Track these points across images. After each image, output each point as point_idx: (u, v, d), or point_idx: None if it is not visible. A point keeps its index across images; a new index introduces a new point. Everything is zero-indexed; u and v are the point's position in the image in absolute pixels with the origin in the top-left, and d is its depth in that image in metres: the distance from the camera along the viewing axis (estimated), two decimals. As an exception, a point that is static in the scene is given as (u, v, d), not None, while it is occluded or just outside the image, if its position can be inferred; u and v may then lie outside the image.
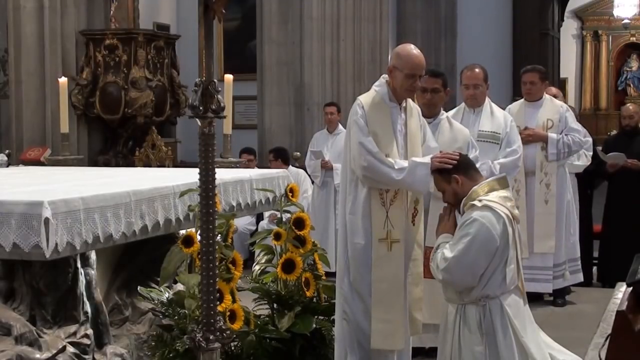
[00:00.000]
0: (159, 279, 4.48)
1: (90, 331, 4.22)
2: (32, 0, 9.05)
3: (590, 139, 7.83)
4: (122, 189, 4.33)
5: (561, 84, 14.75)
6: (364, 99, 4.59)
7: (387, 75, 4.62)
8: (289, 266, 4.59)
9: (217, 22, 2.98)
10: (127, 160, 9.18)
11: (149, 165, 8.45)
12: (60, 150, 7.13)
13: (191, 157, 9.91)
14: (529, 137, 6.89)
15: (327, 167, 8.72)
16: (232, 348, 4.29)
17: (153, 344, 4.31)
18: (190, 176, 4.64)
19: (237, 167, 6.17)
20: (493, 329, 3.83)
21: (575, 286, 7.63)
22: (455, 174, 4.03)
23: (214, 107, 2.93)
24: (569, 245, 7.20)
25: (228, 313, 4.02)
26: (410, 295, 4.60)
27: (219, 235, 4.19)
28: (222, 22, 3.10)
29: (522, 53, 14.49)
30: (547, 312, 6.87)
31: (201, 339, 2.98)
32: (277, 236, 4.68)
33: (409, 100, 4.68)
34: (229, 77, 5.89)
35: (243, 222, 8.80)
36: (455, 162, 4.19)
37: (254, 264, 5.02)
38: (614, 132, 11.81)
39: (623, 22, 20.92)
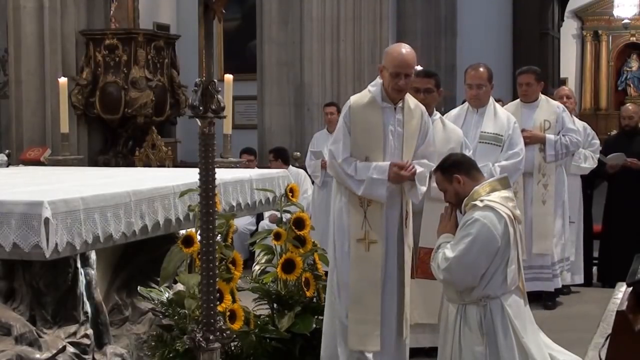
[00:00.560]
0: (159, 279, 4.48)
1: (90, 331, 4.22)
2: (32, 0, 9.05)
3: (597, 142, 7.84)
4: (122, 189, 4.32)
5: (561, 84, 14.69)
6: (354, 98, 4.59)
7: None
8: (289, 266, 4.59)
9: (217, 22, 2.98)
10: (127, 160, 9.18)
11: (149, 165, 8.45)
12: (60, 150, 7.14)
13: (191, 157, 9.91)
14: (527, 139, 6.83)
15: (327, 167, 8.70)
16: (232, 348, 4.29)
17: (153, 344, 4.31)
18: (190, 176, 4.64)
19: (237, 167, 6.17)
20: (494, 329, 3.84)
21: (575, 286, 7.64)
22: (457, 174, 4.03)
23: (214, 107, 2.93)
24: (561, 244, 7.19)
25: (228, 313, 4.03)
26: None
27: (219, 235, 4.20)
28: (222, 22, 3.10)
29: (522, 53, 14.46)
30: (547, 312, 6.87)
31: (201, 339, 2.98)
32: (277, 236, 4.69)
33: (410, 101, 4.63)
34: (229, 77, 5.89)
35: (243, 222, 8.79)
36: (410, 174, 4.27)
37: (254, 264, 5.02)
38: (614, 132, 11.80)
39: (623, 22, 20.89)
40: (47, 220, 3.74)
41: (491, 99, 6.21)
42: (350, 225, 4.50)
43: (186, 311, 4.10)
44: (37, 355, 3.98)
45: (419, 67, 8.30)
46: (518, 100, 7.21)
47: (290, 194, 4.90)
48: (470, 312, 3.89)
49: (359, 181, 4.41)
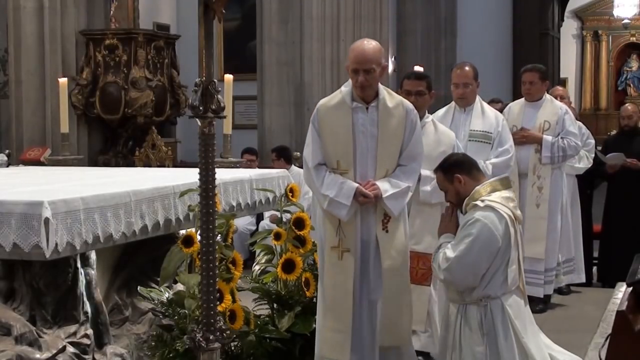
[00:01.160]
0: (159, 279, 4.48)
1: (90, 331, 4.22)
2: (32, 0, 9.05)
3: (592, 141, 7.79)
4: (122, 189, 4.32)
5: (561, 84, 14.71)
6: (323, 100, 4.46)
7: None
8: (289, 266, 4.59)
9: (217, 22, 2.98)
10: (127, 160, 9.18)
11: (149, 165, 8.45)
12: (60, 150, 7.14)
13: (191, 157, 9.92)
14: (523, 139, 6.74)
15: (327, 168, 8.68)
16: (232, 348, 4.29)
17: (153, 344, 4.31)
18: (190, 176, 4.64)
19: (237, 167, 6.17)
20: (494, 329, 3.84)
21: (575, 286, 7.63)
22: (458, 174, 4.03)
23: (214, 107, 2.93)
24: (563, 245, 7.12)
25: (228, 313, 4.03)
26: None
27: (219, 235, 4.20)
28: (222, 22, 3.10)
29: (522, 53, 14.46)
30: (547, 312, 6.87)
31: (201, 339, 2.98)
32: (277, 236, 4.69)
33: (389, 99, 4.35)
34: (229, 77, 5.89)
35: (243, 222, 8.79)
36: (372, 196, 4.17)
37: (254, 264, 5.02)
38: (614, 132, 11.80)
39: (623, 22, 20.90)
40: (47, 220, 3.74)
41: (478, 97, 6.11)
42: (326, 231, 4.38)
43: (186, 311, 4.10)
44: (37, 355, 3.98)
45: (418, 68, 8.29)
46: (523, 99, 7.11)
47: (290, 194, 4.90)
48: (470, 312, 3.89)
49: (324, 195, 4.28)
